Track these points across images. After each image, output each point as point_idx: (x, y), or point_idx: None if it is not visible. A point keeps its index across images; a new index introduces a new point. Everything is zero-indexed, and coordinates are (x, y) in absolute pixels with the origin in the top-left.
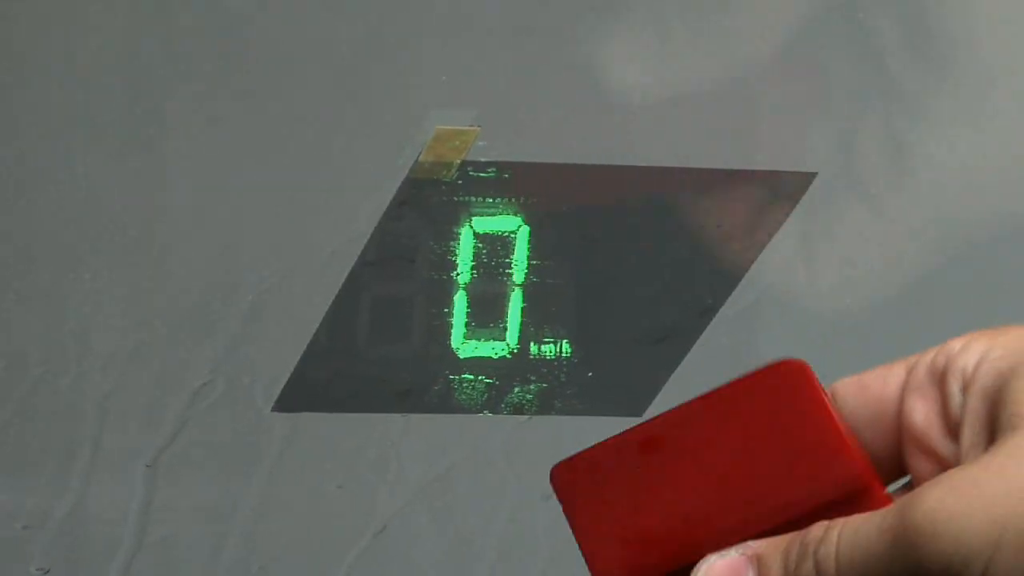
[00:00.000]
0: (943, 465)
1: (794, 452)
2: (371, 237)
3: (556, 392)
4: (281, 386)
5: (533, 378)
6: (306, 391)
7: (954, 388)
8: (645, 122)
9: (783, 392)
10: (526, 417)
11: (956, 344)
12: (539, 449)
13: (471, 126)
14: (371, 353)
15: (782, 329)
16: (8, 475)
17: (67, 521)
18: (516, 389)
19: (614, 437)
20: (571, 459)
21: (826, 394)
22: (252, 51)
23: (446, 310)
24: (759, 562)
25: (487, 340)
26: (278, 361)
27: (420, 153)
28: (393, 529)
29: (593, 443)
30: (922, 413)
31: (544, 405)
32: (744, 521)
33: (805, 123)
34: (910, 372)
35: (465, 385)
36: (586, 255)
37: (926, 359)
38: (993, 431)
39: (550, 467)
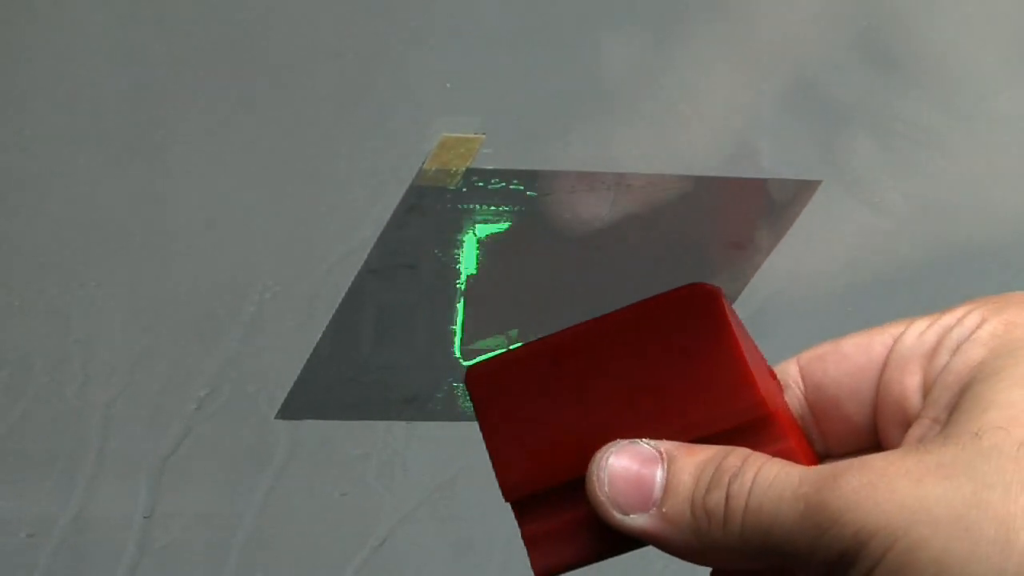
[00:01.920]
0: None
1: (699, 374)
2: (375, 245)
3: None
4: (285, 394)
5: None
6: (310, 398)
7: (939, 365)
8: (648, 129)
9: (694, 314)
10: None
11: (951, 318)
12: None
13: (476, 134)
14: (375, 360)
15: (786, 337)
16: (13, 482)
17: (71, 528)
18: None
19: (529, 344)
20: (487, 362)
21: (734, 321)
22: (257, 58)
23: (451, 317)
24: (670, 463)
25: (490, 347)
26: (283, 369)
27: (425, 160)
28: (397, 537)
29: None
30: (903, 385)
31: None
32: (650, 435)
33: (809, 131)
34: (897, 341)
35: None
36: (586, 262)
37: (915, 330)
38: (945, 426)
39: None
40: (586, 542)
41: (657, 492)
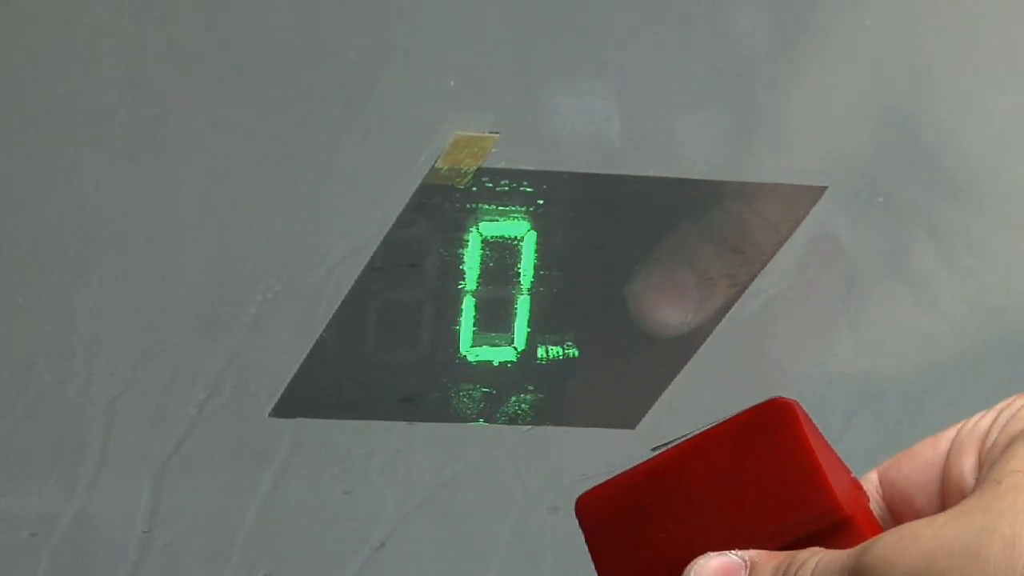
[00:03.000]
0: None
1: (781, 484)
2: (381, 243)
3: (562, 399)
4: (288, 392)
5: (539, 385)
6: (306, 397)
7: (989, 443)
8: (656, 132)
9: (773, 428)
10: (530, 426)
11: (1004, 403)
12: (546, 457)
13: (490, 133)
14: (376, 359)
15: (788, 340)
16: (15, 480)
17: (73, 527)
18: (523, 395)
19: (630, 470)
20: (593, 491)
21: (809, 430)
22: (260, 56)
23: (454, 316)
24: (752, 569)
25: (495, 346)
26: (285, 368)
27: (437, 159)
28: (399, 536)
29: (598, 454)
30: (960, 468)
31: (549, 413)
32: (739, 547)
33: (816, 136)
34: (958, 431)
35: (472, 391)
36: (593, 263)
37: (974, 420)
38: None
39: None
40: None
41: None
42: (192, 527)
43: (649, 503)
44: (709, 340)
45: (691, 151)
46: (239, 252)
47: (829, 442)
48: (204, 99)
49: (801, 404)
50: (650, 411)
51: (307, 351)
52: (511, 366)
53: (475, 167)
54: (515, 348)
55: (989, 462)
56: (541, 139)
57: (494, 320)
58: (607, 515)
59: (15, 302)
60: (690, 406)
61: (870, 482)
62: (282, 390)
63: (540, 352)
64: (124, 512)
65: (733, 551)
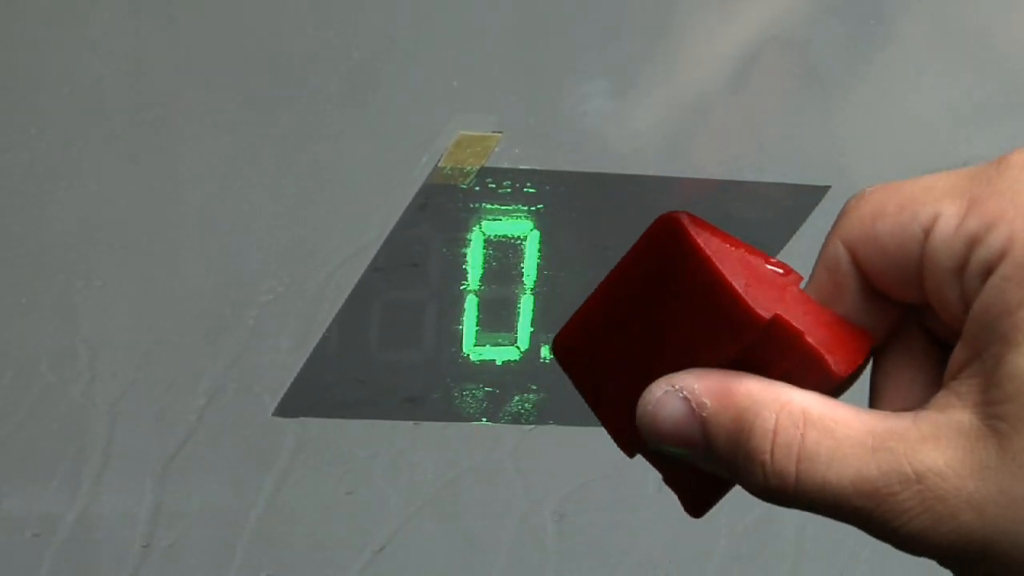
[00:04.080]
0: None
1: (698, 305)
2: (384, 243)
3: (565, 398)
4: (292, 392)
5: (543, 384)
6: (310, 397)
7: (971, 288)
8: (658, 132)
9: (671, 250)
10: (533, 425)
11: (976, 222)
12: (549, 456)
13: (493, 132)
14: (379, 359)
15: None
16: (19, 481)
17: (77, 527)
18: (527, 395)
19: (586, 302)
20: (564, 329)
21: (703, 240)
22: (263, 58)
23: (457, 316)
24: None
25: (498, 346)
26: (288, 368)
27: (440, 158)
28: (403, 536)
29: (601, 453)
30: (944, 298)
31: (552, 412)
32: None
33: (819, 135)
34: (928, 241)
35: (476, 391)
36: (595, 262)
37: (943, 231)
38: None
39: (559, 475)
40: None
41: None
42: (195, 528)
43: (605, 332)
44: None
45: (695, 151)
46: (242, 252)
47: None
48: (207, 100)
49: (692, 213)
50: None
51: (310, 351)
52: (514, 366)
53: (478, 167)
54: (518, 348)
55: (985, 339)
56: (544, 139)
57: (497, 320)
58: (580, 349)
59: (19, 303)
60: None
61: (840, 259)
62: (285, 390)
63: (543, 351)
64: (127, 513)
65: (674, 383)
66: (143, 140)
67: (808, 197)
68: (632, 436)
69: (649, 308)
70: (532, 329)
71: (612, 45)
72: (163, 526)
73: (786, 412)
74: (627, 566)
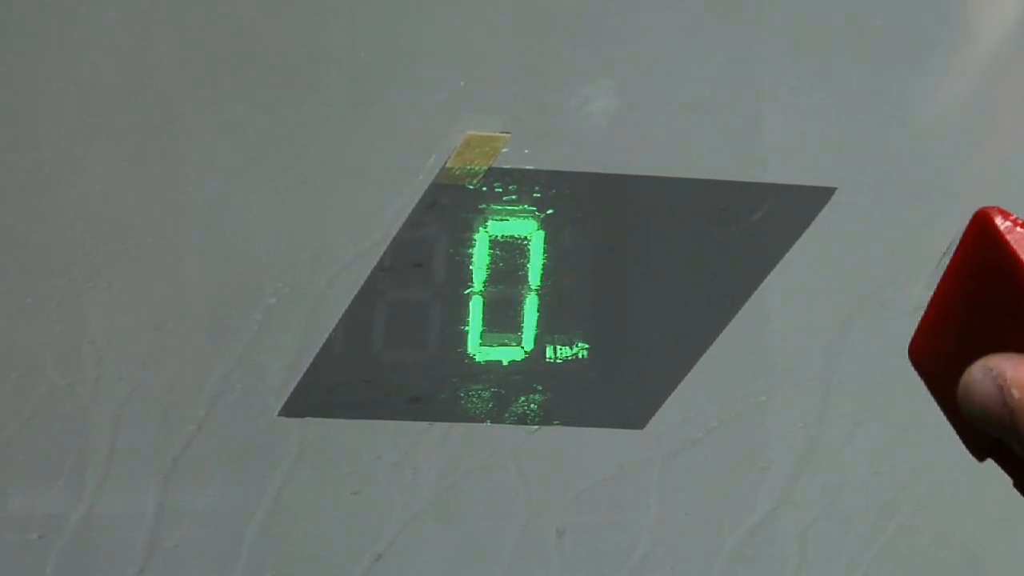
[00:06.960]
0: None
1: (1008, 296)
2: (391, 243)
3: (570, 399)
4: (297, 392)
5: (548, 385)
6: (316, 397)
7: None
8: (664, 133)
9: (982, 244)
10: (538, 425)
11: None
12: (553, 455)
13: (501, 132)
14: (387, 359)
15: (794, 340)
16: (23, 482)
17: (82, 527)
18: (532, 395)
19: (928, 310)
20: (915, 337)
21: (1011, 234)
22: (268, 59)
23: (462, 316)
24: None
25: (503, 346)
26: (293, 369)
27: (448, 159)
28: (406, 536)
29: (606, 454)
30: None
31: (557, 413)
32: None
33: (825, 137)
34: None
35: (481, 392)
36: (601, 263)
37: None
38: None
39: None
40: None
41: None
42: (200, 528)
43: (947, 335)
44: (717, 340)
45: (700, 151)
46: (248, 254)
47: None
48: (213, 101)
49: (1002, 208)
50: (658, 411)
51: (316, 351)
52: (519, 366)
53: (486, 167)
54: (523, 348)
55: None
56: (550, 139)
57: (502, 320)
58: (929, 355)
59: (24, 304)
60: (699, 406)
61: None
62: (290, 391)
63: (549, 352)
64: (132, 514)
65: (990, 365)
66: (149, 142)
67: (814, 198)
68: (981, 440)
69: (979, 306)
70: (537, 330)
71: (619, 45)
72: (168, 527)
73: None
74: (630, 568)
